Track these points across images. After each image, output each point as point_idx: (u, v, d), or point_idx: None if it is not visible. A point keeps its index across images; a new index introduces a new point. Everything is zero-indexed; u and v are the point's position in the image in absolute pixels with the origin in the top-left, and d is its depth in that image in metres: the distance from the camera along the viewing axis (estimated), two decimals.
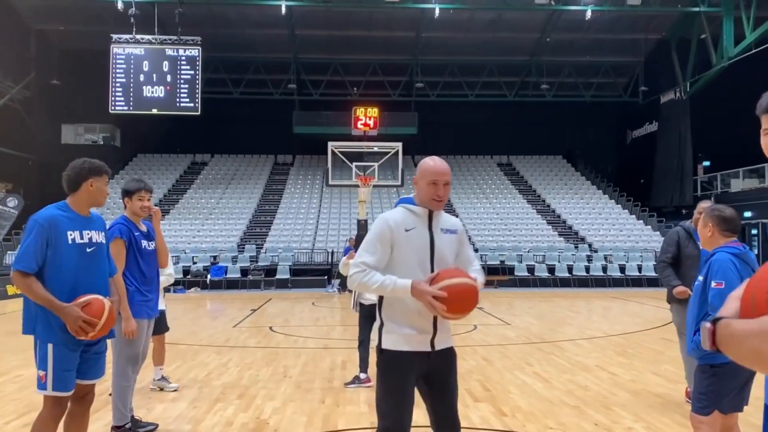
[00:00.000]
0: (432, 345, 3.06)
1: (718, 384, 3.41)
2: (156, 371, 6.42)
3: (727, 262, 3.37)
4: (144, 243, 4.79)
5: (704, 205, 5.10)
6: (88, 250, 3.56)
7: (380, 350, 3.13)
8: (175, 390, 6.30)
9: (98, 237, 3.68)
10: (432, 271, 3.04)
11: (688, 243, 5.24)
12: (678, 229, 5.65)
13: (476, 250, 23.97)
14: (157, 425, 5.10)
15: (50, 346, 3.43)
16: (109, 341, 3.96)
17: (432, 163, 3.13)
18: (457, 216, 26.57)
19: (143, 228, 4.88)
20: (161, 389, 6.33)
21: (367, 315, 6.39)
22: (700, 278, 3.50)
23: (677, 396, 6.12)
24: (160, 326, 6.25)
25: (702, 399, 3.44)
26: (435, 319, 3.04)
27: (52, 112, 30.64)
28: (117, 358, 4.69)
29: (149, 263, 4.83)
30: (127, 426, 4.70)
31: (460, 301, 2.83)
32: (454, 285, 2.82)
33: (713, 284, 3.34)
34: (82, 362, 3.57)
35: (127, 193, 4.84)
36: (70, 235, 3.48)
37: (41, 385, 3.44)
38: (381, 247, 3.06)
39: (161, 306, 6.13)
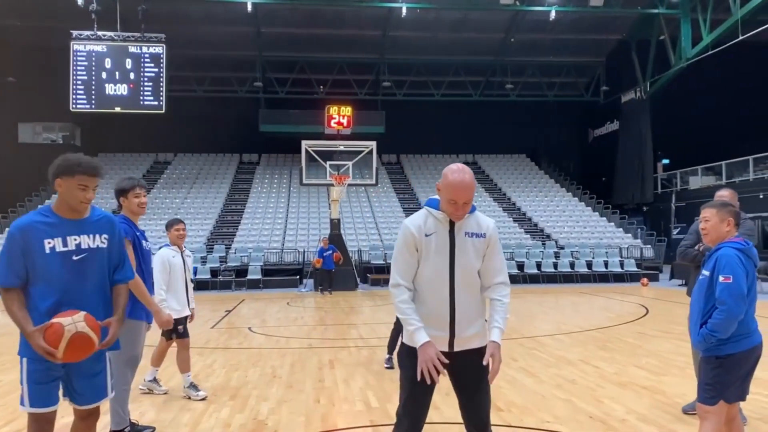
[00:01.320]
0: (450, 346, 3.10)
1: (723, 375, 3.53)
2: (185, 378, 6.15)
3: (733, 258, 3.49)
4: (144, 243, 4.72)
5: (724, 194, 5.12)
6: (75, 258, 3.16)
7: (402, 346, 3.20)
8: (204, 398, 6.02)
9: (93, 241, 3.24)
10: (452, 276, 3.06)
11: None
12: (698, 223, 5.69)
13: None
14: (154, 428, 5.02)
15: (24, 361, 3.15)
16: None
17: (455, 177, 3.00)
18: None
19: (141, 228, 4.80)
20: (189, 397, 6.05)
21: None
22: (705, 273, 3.62)
23: (663, 388, 6.30)
24: (186, 331, 6.18)
25: (708, 390, 3.56)
26: (452, 322, 3.08)
27: (8, 111, 29.73)
28: (116, 361, 4.59)
29: (148, 264, 4.76)
30: (126, 430, 4.62)
31: (73, 354, 3.11)
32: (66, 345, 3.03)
33: (721, 279, 3.46)
34: (75, 385, 3.23)
35: (122, 192, 4.72)
36: (48, 243, 3.09)
37: (21, 401, 3.17)
38: (409, 255, 3.09)
39: (187, 311, 6.11)
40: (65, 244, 3.15)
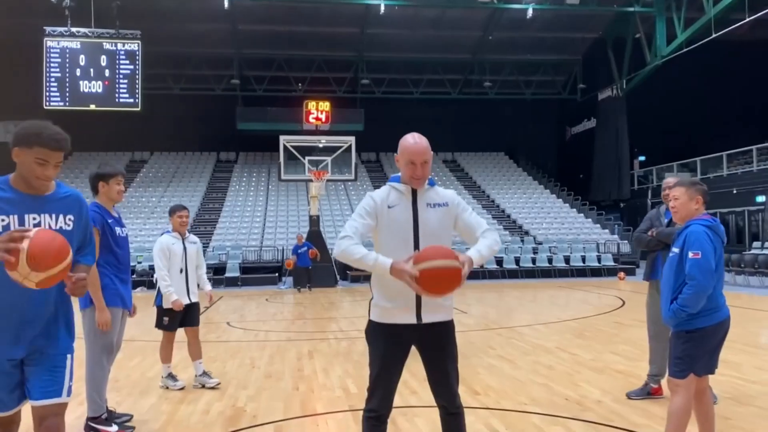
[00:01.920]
0: (418, 317, 3.11)
1: (692, 348, 3.61)
2: (196, 366, 6.09)
3: (702, 234, 3.57)
4: (118, 230, 4.67)
5: (670, 181, 5.32)
6: None
7: (369, 323, 3.23)
8: (217, 385, 5.96)
9: (56, 222, 2.78)
10: (417, 247, 3.07)
11: (657, 222, 5.49)
12: (655, 209, 5.83)
13: None
14: (131, 416, 4.98)
15: None
16: (81, 334, 3.41)
17: (410, 141, 3.12)
18: None
19: (115, 214, 4.76)
20: (203, 385, 5.98)
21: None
22: (675, 250, 3.69)
23: (639, 372, 6.38)
24: (193, 319, 6.07)
25: (678, 363, 3.63)
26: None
27: None
28: (91, 348, 4.56)
29: (123, 249, 4.71)
30: (103, 417, 4.59)
31: (437, 283, 2.81)
32: (432, 267, 2.78)
33: (690, 254, 3.53)
34: (28, 377, 2.74)
35: (102, 177, 4.67)
36: (2, 220, 2.65)
37: None
38: (368, 218, 3.13)
39: (194, 298, 6.04)
40: (21, 223, 2.68)
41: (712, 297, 3.59)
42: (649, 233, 5.39)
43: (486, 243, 3.13)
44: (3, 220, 2.65)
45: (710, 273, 3.51)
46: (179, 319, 5.96)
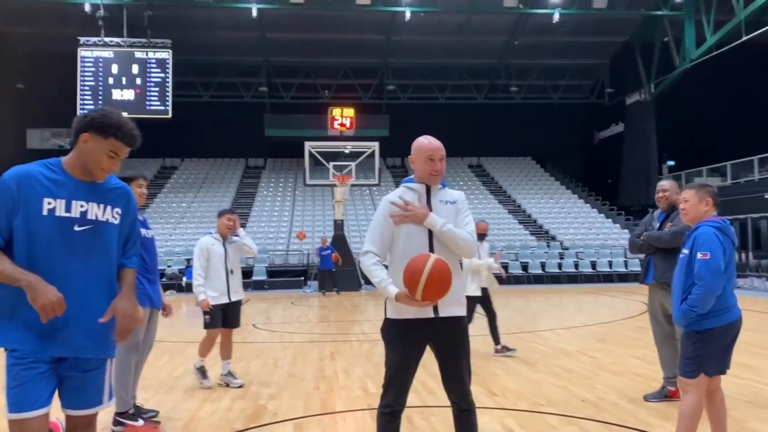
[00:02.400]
0: (435, 311, 3.22)
1: (703, 348, 3.64)
2: (224, 365, 6.26)
3: (711, 235, 3.61)
4: (143, 231, 4.85)
5: (664, 184, 5.43)
6: (77, 228, 2.53)
7: (385, 320, 3.34)
8: (240, 386, 6.12)
9: (103, 213, 2.60)
10: (431, 240, 3.24)
11: (649, 227, 5.57)
12: (649, 214, 5.92)
13: None
14: (157, 412, 5.16)
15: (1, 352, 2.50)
16: None
17: (426, 141, 3.37)
18: None
19: (140, 217, 4.95)
20: (227, 385, 6.15)
21: (487, 297, 7.81)
22: (685, 251, 3.74)
23: (658, 375, 6.37)
24: (232, 320, 6.21)
25: (689, 363, 3.67)
26: None
27: (17, 117, 30.08)
28: (118, 346, 4.74)
29: (150, 252, 4.89)
30: (130, 412, 4.77)
31: (437, 290, 3.04)
32: (423, 285, 3.00)
33: (699, 255, 3.58)
34: (64, 384, 2.52)
35: (126, 180, 4.87)
36: (48, 203, 2.48)
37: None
38: (385, 226, 3.29)
39: (235, 297, 6.19)
40: (68, 209, 2.52)
41: (723, 298, 3.63)
42: (642, 238, 5.45)
43: (453, 228, 3.26)
44: (49, 203, 2.48)
45: (719, 273, 3.55)
46: (220, 318, 6.09)
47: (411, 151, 3.37)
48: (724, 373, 3.76)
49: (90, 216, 2.57)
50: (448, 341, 3.28)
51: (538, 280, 22.08)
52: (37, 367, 2.43)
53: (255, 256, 6.39)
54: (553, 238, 26.15)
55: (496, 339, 7.78)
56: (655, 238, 5.31)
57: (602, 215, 28.96)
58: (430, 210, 3.28)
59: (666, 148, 31.14)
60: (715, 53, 24.52)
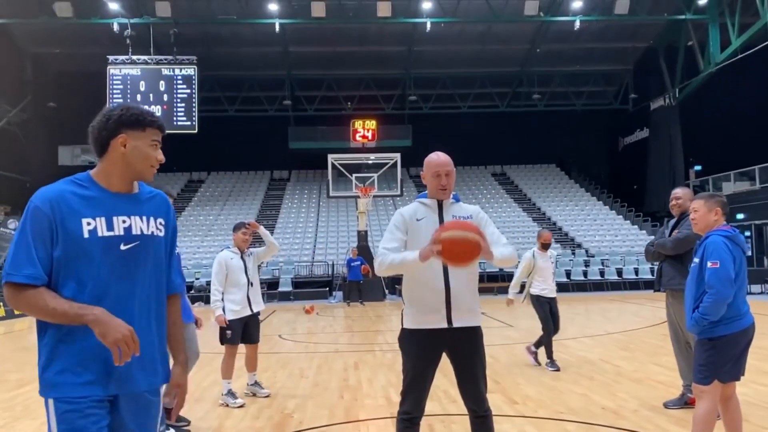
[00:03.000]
0: (449, 321, 3.32)
1: (716, 355, 3.71)
2: (249, 377, 6.43)
3: (720, 244, 3.69)
4: None
5: (678, 192, 5.51)
6: (123, 246, 2.18)
7: (402, 330, 3.46)
8: (267, 396, 6.27)
9: (147, 226, 2.26)
10: (445, 265, 3.31)
11: (662, 235, 5.66)
12: (666, 223, 6.00)
13: None
14: (189, 421, 5.35)
15: (51, 403, 2.10)
16: None
17: (434, 157, 3.47)
18: None
19: None
20: (254, 394, 6.32)
21: (550, 306, 7.75)
22: (696, 260, 3.82)
23: (679, 382, 6.40)
24: (252, 335, 6.25)
25: (703, 370, 3.74)
26: (448, 296, 3.31)
27: (48, 135, 30.91)
28: None
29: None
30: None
31: (456, 252, 3.01)
32: (451, 237, 2.98)
33: (709, 264, 3.66)
34: (118, 422, 2.18)
35: None
36: (88, 224, 2.14)
37: None
38: (398, 233, 3.42)
39: (256, 308, 6.21)
40: (110, 227, 2.18)
41: (734, 305, 3.69)
42: (654, 246, 5.55)
43: (503, 250, 3.35)
44: (89, 224, 2.14)
45: (729, 281, 3.62)
46: (240, 332, 6.13)
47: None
48: (738, 379, 3.81)
49: (135, 231, 2.23)
50: (464, 351, 3.39)
51: (564, 288, 21.96)
52: (94, 412, 2.09)
53: (277, 253, 6.45)
54: (579, 246, 26.02)
55: (539, 343, 7.77)
56: (660, 245, 5.43)
57: (628, 222, 28.73)
58: (442, 223, 3.36)
59: (692, 153, 30.80)
60: (740, 56, 24.26)
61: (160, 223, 2.33)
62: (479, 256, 3.09)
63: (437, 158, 3.46)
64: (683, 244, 5.15)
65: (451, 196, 3.49)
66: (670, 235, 5.46)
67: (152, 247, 2.28)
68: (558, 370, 7.32)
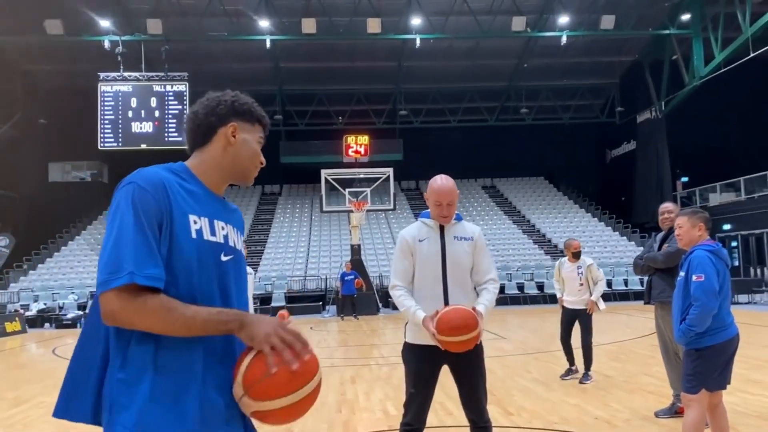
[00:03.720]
0: None
1: (703, 365, 3.87)
2: None
3: (704, 258, 3.87)
4: None
5: (668, 206, 5.70)
6: (224, 257, 1.78)
7: (404, 344, 3.61)
8: None
9: (237, 239, 1.88)
10: (445, 276, 3.47)
11: (650, 249, 5.84)
12: (652, 237, 6.18)
13: None
14: None
15: None
16: None
17: (437, 183, 3.50)
18: None
19: None
20: None
21: (570, 317, 7.72)
22: (682, 274, 3.99)
23: (669, 392, 6.56)
24: None
25: (690, 380, 3.90)
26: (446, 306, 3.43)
27: (39, 151, 30.85)
28: None
29: None
30: None
31: (456, 347, 3.24)
32: (451, 341, 3.21)
33: (694, 278, 3.84)
34: None
35: None
36: (194, 222, 1.72)
37: None
38: (405, 261, 3.55)
39: None
40: (213, 231, 1.77)
41: (719, 317, 3.86)
42: (642, 260, 5.72)
43: (489, 297, 3.50)
44: (195, 222, 1.72)
45: (714, 294, 3.79)
46: None
47: (427, 189, 3.59)
48: (724, 388, 3.98)
49: (230, 242, 1.82)
50: (464, 365, 3.52)
51: (554, 299, 22.12)
52: None
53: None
54: None
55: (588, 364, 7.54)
56: (651, 258, 5.60)
57: (617, 233, 29.04)
58: (444, 246, 3.48)
59: (679, 165, 31.22)
60: (723, 70, 24.72)
61: (242, 241, 1.94)
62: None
63: (439, 187, 3.48)
64: (674, 257, 5.31)
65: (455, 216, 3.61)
66: (659, 248, 5.63)
67: (242, 265, 1.88)
68: (571, 374, 7.57)
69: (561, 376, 7.66)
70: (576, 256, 7.81)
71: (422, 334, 3.44)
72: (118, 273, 1.56)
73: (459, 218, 3.62)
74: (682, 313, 3.93)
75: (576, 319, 7.65)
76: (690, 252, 3.99)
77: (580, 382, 7.32)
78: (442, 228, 3.54)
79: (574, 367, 7.71)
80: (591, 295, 7.55)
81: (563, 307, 7.78)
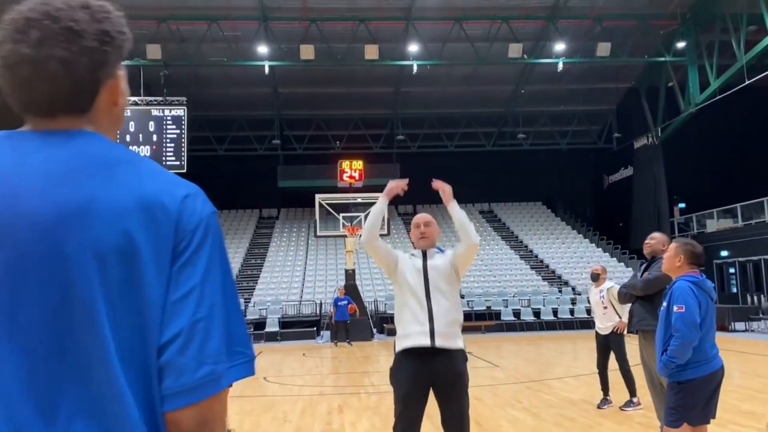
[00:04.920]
0: (432, 338, 3.58)
1: (685, 398, 3.80)
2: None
3: (686, 289, 3.82)
4: None
5: (653, 234, 5.69)
6: None
7: (394, 359, 3.74)
8: None
9: None
10: (426, 283, 3.70)
11: (635, 277, 5.82)
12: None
13: (462, 296, 24.31)
14: None
15: None
16: None
17: (417, 215, 4.11)
18: None
19: None
20: None
21: (603, 343, 7.58)
22: (664, 304, 3.94)
23: (656, 422, 6.46)
24: None
25: (672, 413, 3.83)
26: (430, 316, 3.61)
27: None
28: None
29: None
30: None
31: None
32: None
33: (675, 308, 3.79)
34: None
35: None
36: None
37: None
38: (393, 250, 3.95)
39: None
40: None
41: (701, 349, 3.80)
42: (626, 289, 5.69)
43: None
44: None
45: (694, 325, 3.73)
46: None
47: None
48: (707, 422, 3.90)
49: None
50: (447, 377, 3.60)
51: (551, 326, 22.02)
52: None
53: None
54: (566, 284, 26.14)
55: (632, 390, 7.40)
56: (630, 285, 5.60)
57: (614, 259, 28.95)
58: (426, 271, 3.73)
59: (676, 191, 31.26)
60: (719, 97, 24.85)
61: None
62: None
63: (418, 215, 4.06)
64: (652, 284, 5.30)
65: (436, 247, 3.90)
66: (641, 276, 5.61)
67: None
68: (606, 404, 7.38)
69: (597, 405, 7.51)
70: (594, 279, 7.86)
71: (408, 341, 3.62)
72: (239, 359, 1.03)
73: (440, 250, 3.91)
74: (664, 344, 3.86)
75: (608, 345, 7.58)
76: (673, 283, 3.95)
77: (621, 408, 7.25)
78: (424, 255, 3.83)
79: (608, 397, 7.53)
80: (618, 318, 7.43)
81: (596, 334, 7.76)
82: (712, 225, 28.87)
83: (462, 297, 23.84)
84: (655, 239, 5.65)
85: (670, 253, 4.06)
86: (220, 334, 0.99)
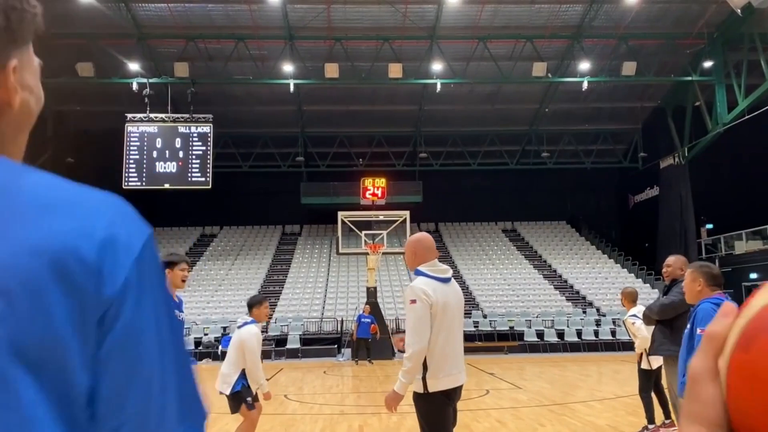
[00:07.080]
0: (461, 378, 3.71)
1: None
2: None
3: (709, 311, 3.75)
4: (177, 313, 5.15)
5: (669, 259, 5.61)
6: None
7: (427, 394, 3.60)
8: None
9: None
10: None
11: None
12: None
13: (485, 316, 24.11)
14: None
15: None
16: None
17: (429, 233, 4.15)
18: (464, 282, 26.82)
19: (176, 299, 5.25)
20: None
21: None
22: (688, 326, 3.87)
23: None
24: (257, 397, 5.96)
25: None
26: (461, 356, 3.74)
27: None
28: None
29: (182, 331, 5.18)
30: None
31: None
32: None
33: (698, 331, 3.72)
34: None
35: (168, 265, 5.18)
36: None
37: None
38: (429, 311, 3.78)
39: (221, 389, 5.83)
40: None
41: None
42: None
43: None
44: None
45: None
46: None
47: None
48: None
49: None
50: (454, 409, 3.72)
51: (575, 347, 21.70)
52: None
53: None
54: (590, 304, 25.79)
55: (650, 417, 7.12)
56: (648, 309, 5.52)
57: (639, 280, 28.52)
58: None
59: (703, 212, 30.76)
60: (747, 117, 24.49)
61: None
62: None
63: None
64: (668, 310, 5.22)
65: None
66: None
67: None
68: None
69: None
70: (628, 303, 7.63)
71: (446, 379, 3.57)
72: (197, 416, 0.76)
73: (416, 273, 3.76)
74: (686, 367, 3.78)
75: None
76: (697, 305, 3.87)
77: None
78: None
79: (651, 426, 7.17)
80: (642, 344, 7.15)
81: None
82: (741, 246, 28.33)
83: (484, 317, 23.70)
84: (671, 264, 5.58)
85: (687, 280, 4.00)
86: (176, 392, 0.71)
